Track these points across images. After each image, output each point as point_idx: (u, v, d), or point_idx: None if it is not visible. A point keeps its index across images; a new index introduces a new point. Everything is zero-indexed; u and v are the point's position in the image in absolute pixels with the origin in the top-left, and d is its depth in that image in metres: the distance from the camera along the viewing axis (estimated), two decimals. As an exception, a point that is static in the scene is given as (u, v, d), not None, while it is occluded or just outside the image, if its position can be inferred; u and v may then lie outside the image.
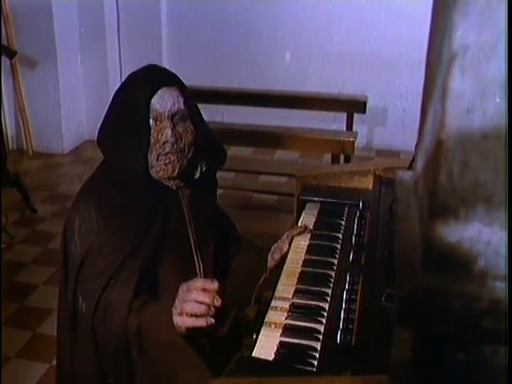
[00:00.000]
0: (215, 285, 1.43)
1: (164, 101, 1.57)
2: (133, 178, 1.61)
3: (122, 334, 1.52)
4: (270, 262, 1.89)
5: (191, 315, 1.42)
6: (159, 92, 1.57)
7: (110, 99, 1.68)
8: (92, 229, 1.57)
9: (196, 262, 1.70)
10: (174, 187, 1.67)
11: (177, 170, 1.61)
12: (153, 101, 1.56)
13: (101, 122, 1.69)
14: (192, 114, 1.63)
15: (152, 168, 1.60)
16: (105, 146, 1.67)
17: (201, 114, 1.72)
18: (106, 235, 1.57)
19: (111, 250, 1.56)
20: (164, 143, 1.58)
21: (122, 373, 1.56)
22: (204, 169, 1.71)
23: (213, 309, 1.41)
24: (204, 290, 1.44)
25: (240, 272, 1.88)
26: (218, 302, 1.41)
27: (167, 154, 1.59)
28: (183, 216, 1.69)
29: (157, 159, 1.59)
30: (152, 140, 1.58)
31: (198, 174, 1.70)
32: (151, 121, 1.58)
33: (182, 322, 1.44)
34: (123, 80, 1.68)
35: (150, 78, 1.62)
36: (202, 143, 1.66)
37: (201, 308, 1.41)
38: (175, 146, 1.58)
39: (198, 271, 1.69)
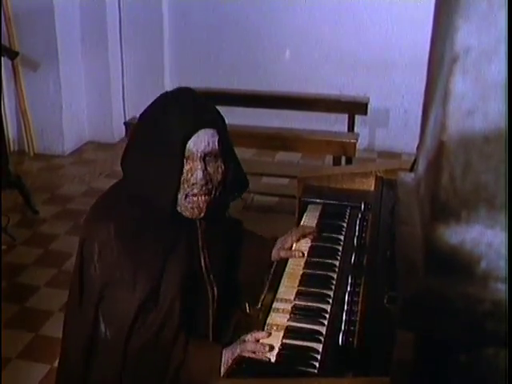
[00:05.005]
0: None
1: (199, 140, 1.52)
2: (157, 210, 1.58)
3: (162, 367, 1.56)
4: (274, 257, 1.89)
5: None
6: (197, 133, 1.53)
7: (138, 118, 1.63)
8: (112, 255, 1.54)
9: (208, 288, 1.69)
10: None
11: (203, 214, 1.59)
12: (189, 142, 1.52)
13: (127, 141, 1.65)
14: (224, 151, 1.59)
15: (178, 206, 1.57)
16: (130, 173, 1.63)
17: (232, 147, 1.67)
18: (127, 264, 1.55)
19: (132, 282, 1.54)
20: (193, 184, 1.54)
21: None
22: (229, 203, 1.72)
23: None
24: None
25: (243, 263, 1.88)
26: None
27: (195, 195, 1.56)
28: (197, 244, 1.67)
29: (184, 198, 1.56)
30: (182, 178, 1.54)
31: (221, 210, 1.71)
32: (183, 159, 1.54)
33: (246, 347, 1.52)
34: (157, 102, 1.61)
35: (190, 118, 1.54)
36: (230, 179, 1.64)
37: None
38: (204, 188, 1.55)
39: (210, 296, 1.69)
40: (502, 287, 0.79)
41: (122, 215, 1.59)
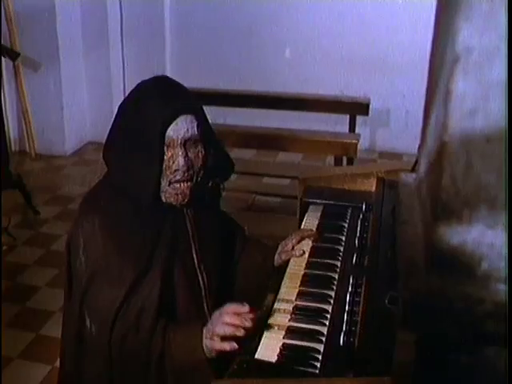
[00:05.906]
0: (245, 308, 1.47)
1: (178, 127, 1.53)
2: (141, 200, 1.58)
3: (145, 357, 1.54)
4: (277, 261, 1.89)
5: (221, 338, 1.46)
6: (175, 120, 1.53)
7: (117, 110, 1.63)
8: (97, 247, 1.55)
9: (200, 277, 1.68)
10: (179, 205, 1.64)
11: (187, 199, 1.59)
12: (168, 129, 1.53)
13: (107, 134, 1.65)
14: (204, 136, 1.59)
15: (163, 193, 1.58)
16: (112, 165, 1.64)
17: (213, 131, 1.67)
18: (112, 255, 1.55)
19: (118, 273, 1.54)
20: (175, 171, 1.55)
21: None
22: (211, 185, 1.70)
23: (242, 330, 1.44)
24: (235, 313, 1.47)
25: (246, 271, 1.88)
26: (248, 323, 1.44)
27: (178, 181, 1.56)
28: (187, 233, 1.67)
29: (168, 185, 1.57)
30: (164, 165, 1.55)
31: (205, 195, 1.69)
32: (164, 147, 1.54)
33: (211, 344, 1.48)
34: (133, 92, 1.60)
35: (167, 105, 1.53)
36: (212, 162, 1.64)
37: (229, 329, 1.44)
38: (186, 174, 1.56)
39: (202, 286, 1.69)
40: (503, 288, 0.79)
41: (107, 208, 1.59)
